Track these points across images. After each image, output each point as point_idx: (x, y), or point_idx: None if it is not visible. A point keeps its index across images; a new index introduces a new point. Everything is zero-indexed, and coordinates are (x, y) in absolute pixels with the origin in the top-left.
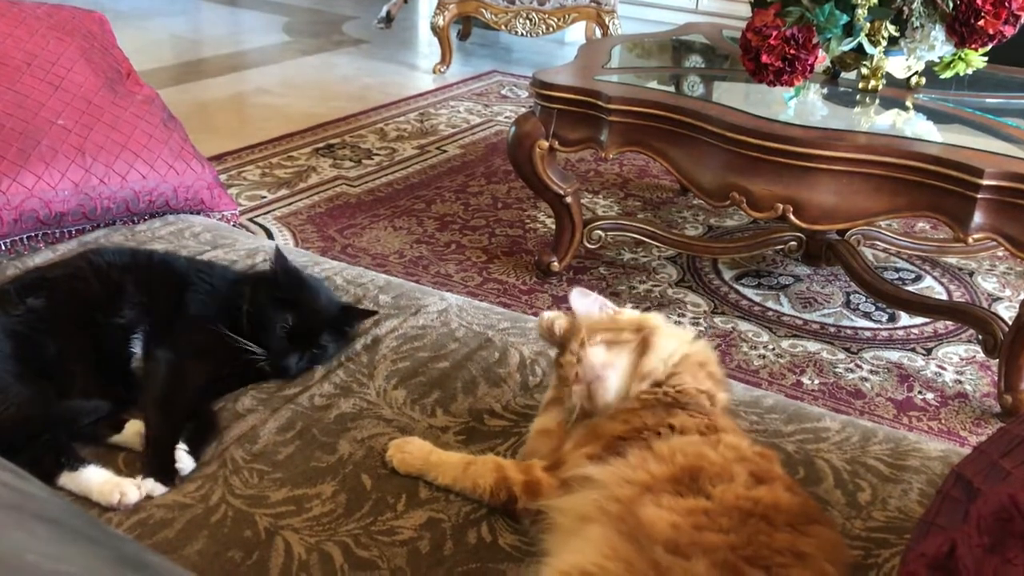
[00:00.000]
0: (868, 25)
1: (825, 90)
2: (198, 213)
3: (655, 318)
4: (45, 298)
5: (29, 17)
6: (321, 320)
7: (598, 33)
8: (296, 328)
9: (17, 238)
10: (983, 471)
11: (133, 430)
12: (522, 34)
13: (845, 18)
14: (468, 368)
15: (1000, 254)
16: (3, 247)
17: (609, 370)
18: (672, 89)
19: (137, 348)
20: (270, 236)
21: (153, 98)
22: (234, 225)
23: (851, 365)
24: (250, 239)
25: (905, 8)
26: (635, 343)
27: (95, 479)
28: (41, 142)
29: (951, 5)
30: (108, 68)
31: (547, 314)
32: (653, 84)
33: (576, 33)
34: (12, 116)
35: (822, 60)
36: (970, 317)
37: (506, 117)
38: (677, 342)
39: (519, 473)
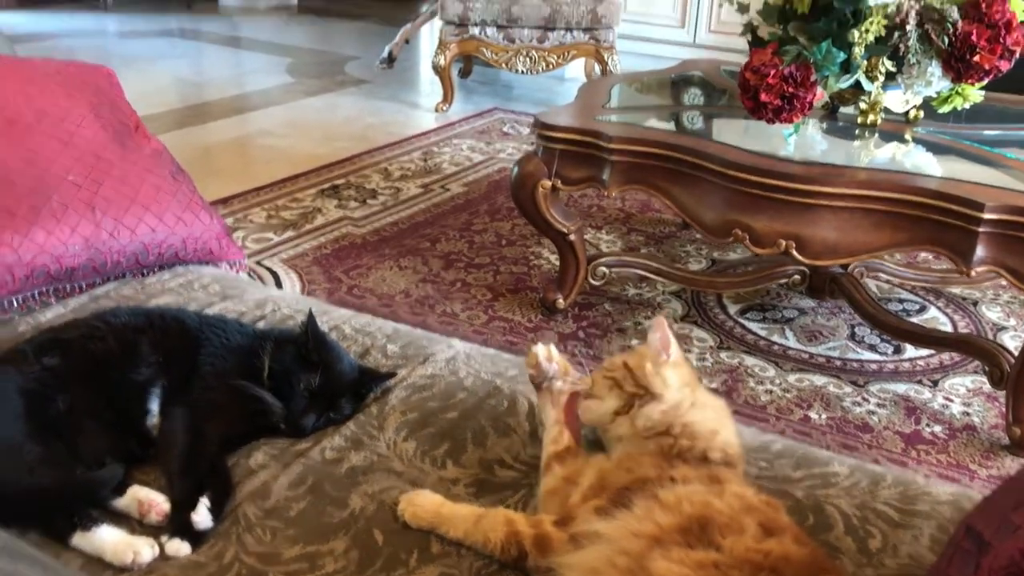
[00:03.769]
0: (865, 62)
1: (824, 125)
2: (207, 263)
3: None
4: (60, 357)
5: (39, 75)
6: (343, 384)
7: (597, 69)
8: (319, 389)
9: (29, 294)
10: (994, 524)
11: (134, 496)
12: (522, 72)
13: (842, 55)
14: (477, 418)
15: (1004, 283)
16: (15, 303)
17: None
18: (672, 127)
19: (154, 406)
20: (277, 279)
21: (161, 151)
22: (238, 272)
23: (858, 398)
24: (258, 290)
25: (901, 45)
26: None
27: (108, 539)
28: (52, 198)
29: (947, 41)
30: (116, 122)
31: (539, 348)
32: (653, 122)
33: (576, 69)
34: (23, 173)
35: (820, 97)
36: (975, 349)
37: (508, 154)
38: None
39: (529, 527)
